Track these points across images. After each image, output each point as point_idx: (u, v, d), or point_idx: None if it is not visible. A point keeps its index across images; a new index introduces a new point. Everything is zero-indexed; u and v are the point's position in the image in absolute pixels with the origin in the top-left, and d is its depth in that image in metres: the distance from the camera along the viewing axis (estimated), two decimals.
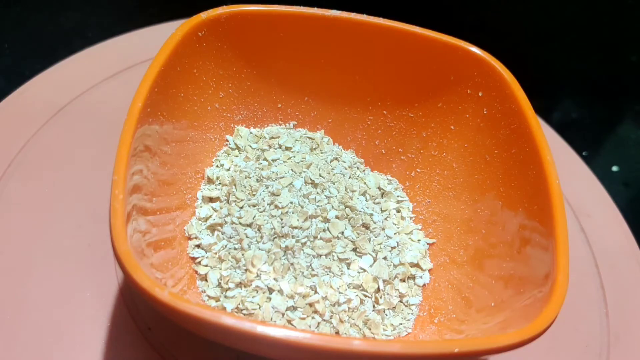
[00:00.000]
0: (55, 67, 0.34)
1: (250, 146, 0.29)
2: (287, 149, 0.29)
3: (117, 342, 0.23)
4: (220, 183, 0.27)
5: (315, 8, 0.28)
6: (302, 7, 0.28)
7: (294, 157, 0.28)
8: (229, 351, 0.23)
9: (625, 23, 0.56)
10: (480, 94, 0.27)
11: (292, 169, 0.27)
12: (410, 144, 0.30)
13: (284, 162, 0.28)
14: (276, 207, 0.25)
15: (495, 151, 0.26)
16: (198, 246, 0.25)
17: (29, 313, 0.23)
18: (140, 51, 0.36)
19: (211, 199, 0.27)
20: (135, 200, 0.20)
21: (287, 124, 0.31)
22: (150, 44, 0.35)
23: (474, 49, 0.26)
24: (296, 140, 0.30)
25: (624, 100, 0.48)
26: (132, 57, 0.35)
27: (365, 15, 0.28)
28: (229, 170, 0.28)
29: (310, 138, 0.30)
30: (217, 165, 0.29)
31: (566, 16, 0.55)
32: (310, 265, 0.24)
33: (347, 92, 0.30)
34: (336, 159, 0.30)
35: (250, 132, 0.30)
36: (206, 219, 0.26)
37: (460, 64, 0.27)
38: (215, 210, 0.26)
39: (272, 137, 0.30)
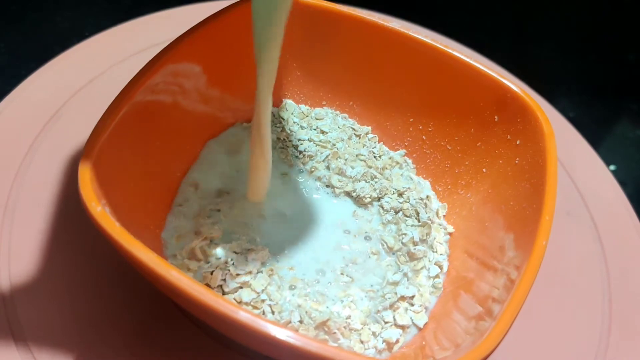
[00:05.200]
0: (52, 63, 0.33)
1: (293, 120, 0.30)
2: (323, 132, 0.30)
3: None
4: None
5: (377, 15, 0.28)
6: (364, 11, 0.28)
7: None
8: None
9: (623, 22, 0.56)
10: (518, 142, 0.25)
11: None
12: (441, 177, 0.29)
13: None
14: None
15: (511, 203, 0.24)
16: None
17: None
18: (142, 40, 0.36)
19: None
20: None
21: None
22: (146, 34, 0.36)
23: (525, 95, 0.25)
24: (338, 126, 0.30)
25: (621, 100, 0.47)
26: (132, 46, 0.35)
27: (424, 34, 0.28)
28: None
29: (354, 129, 0.31)
30: None
31: (564, 15, 0.55)
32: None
33: (392, 107, 0.30)
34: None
35: (299, 108, 0.31)
36: None
37: (508, 107, 0.26)
38: None
39: (317, 119, 0.30)
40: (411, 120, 0.30)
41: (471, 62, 0.27)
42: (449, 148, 0.29)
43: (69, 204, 0.27)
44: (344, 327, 0.23)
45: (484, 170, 0.27)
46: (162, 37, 0.32)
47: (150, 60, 0.23)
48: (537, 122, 0.25)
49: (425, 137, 0.30)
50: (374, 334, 0.23)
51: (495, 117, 0.27)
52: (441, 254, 0.26)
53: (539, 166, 0.23)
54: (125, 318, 0.24)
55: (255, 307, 0.22)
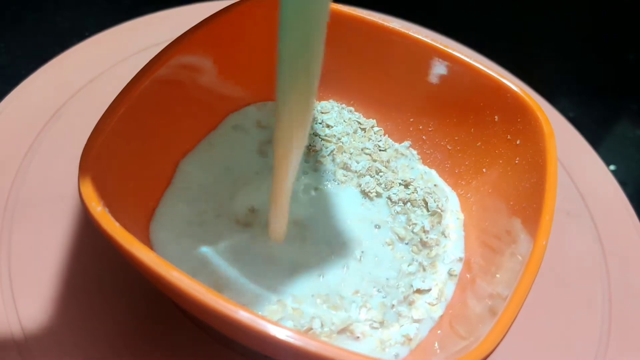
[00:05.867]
0: (52, 63, 0.33)
1: None
2: (328, 126, 0.29)
3: None
4: None
5: (377, 15, 0.28)
6: (364, 11, 0.28)
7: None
8: None
9: (623, 22, 0.56)
10: (518, 142, 0.26)
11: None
12: (441, 177, 0.29)
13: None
14: None
15: (511, 203, 0.24)
16: None
17: None
18: (142, 40, 0.36)
19: None
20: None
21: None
22: (146, 34, 0.36)
23: (524, 95, 0.25)
24: (344, 120, 0.30)
25: (621, 100, 0.47)
26: (132, 46, 0.35)
27: (424, 34, 0.28)
28: None
29: (359, 123, 0.30)
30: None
31: (564, 15, 0.55)
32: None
33: (392, 107, 0.30)
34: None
35: None
36: None
37: (508, 107, 0.26)
38: None
39: (323, 112, 0.30)
40: (411, 120, 0.30)
41: (471, 62, 0.27)
42: (449, 148, 0.29)
43: (69, 204, 0.27)
44: (365, 329, 0.23)
45: (484, 170, 0.27)
46: (162, 37, 0.33)
47: (150, 60, 0.23)
48: (537, 122, 0.25)
49: (426, 137, 0.30)
50: (392, 332, 0.23)
51: (495, 117, 0.27)
52: (455, 241, 0.26)
53: (539, 166, 0.23)
54: (126, 318, 0.24)
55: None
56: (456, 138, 0.29)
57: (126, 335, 0.23)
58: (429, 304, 0.24)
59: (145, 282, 0.19)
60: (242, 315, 0.16)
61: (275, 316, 0.22)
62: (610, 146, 0.42)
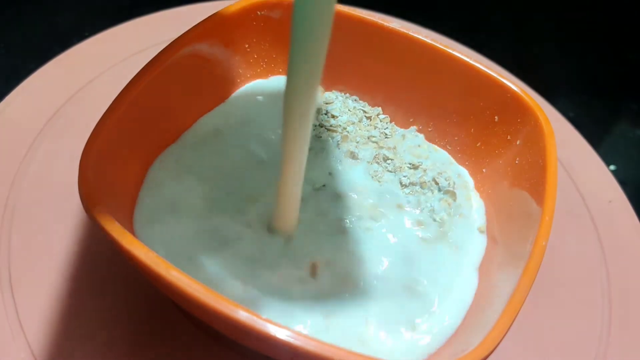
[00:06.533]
0: (52, 63, 0.34)
1: None
2: (333, 117, 0.29)
3: None
4: None
5: (377, 15, 0.29)
6: (364, 11, 0.28)
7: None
8: None
9: (623, 21, 0.56)
10: (518, 142, 0.26)
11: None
12: None
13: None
14: None
15: (511, 203, 0.25)
16: None
17: None
18: (142, 40, 0.36)
19: None
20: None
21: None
22: (146, 34, 0.36)
23: (524, 95, 0.25)
24: (349, 109, 0.30)
25: (621, 100, 0.47)
26: (132, 46, 0.35)
27: (424, 34, 0.28)
28: None
29: (364, 111, 0.30)
30: None
31: (564, 15, 0.55)
32: None
33: (391, 107, 0.30)
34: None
35: None
36: None
37: (508, 107, 0.26)
38: None
39: (326, 103, 0.30)
40: (411, 120, 0.30)
41: (471, 62, 0.27)
42: (449, 148, 0.29)
43: (69, 204, 0.27)
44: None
45: (483, 170, 0.27)
46: (162, 37, 0.33)
47: (149, 61, 0.23)
48: (537, 122, 0.25)
49: (425, 137, 0.30)
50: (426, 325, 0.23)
51: (495, 117, 0.27)
52: (476, 209, 0.26)
53: (539, 166, 0.23)
54: (125, 318, 0.24)
55: None
56: (456, 138, 0.29)
57: (126, 335, 0.23)
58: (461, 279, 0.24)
59: (145, 282, 0.19)
60: (242, 315, 0.16)
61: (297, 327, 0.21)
62: (610, 146, 0.42)
